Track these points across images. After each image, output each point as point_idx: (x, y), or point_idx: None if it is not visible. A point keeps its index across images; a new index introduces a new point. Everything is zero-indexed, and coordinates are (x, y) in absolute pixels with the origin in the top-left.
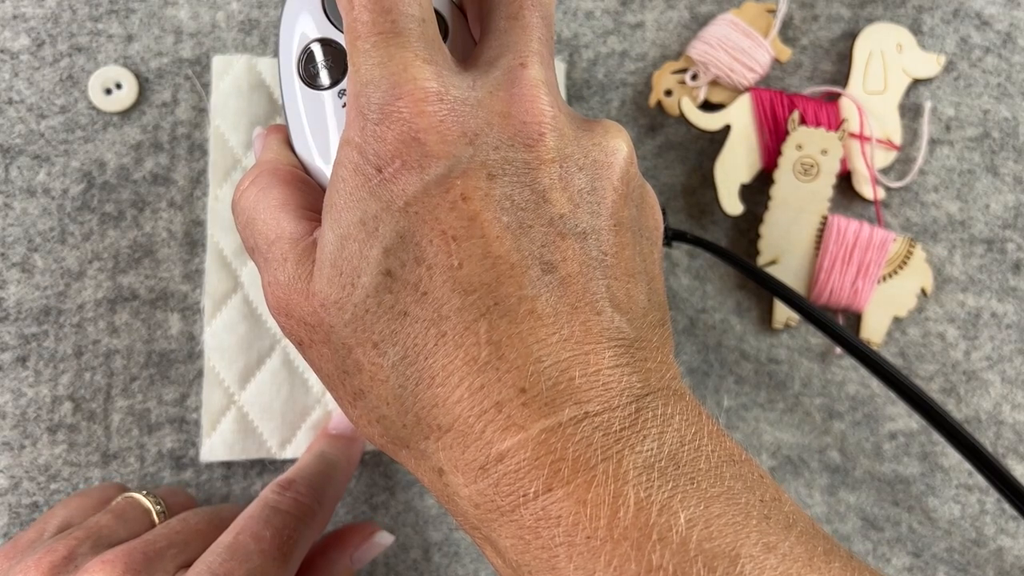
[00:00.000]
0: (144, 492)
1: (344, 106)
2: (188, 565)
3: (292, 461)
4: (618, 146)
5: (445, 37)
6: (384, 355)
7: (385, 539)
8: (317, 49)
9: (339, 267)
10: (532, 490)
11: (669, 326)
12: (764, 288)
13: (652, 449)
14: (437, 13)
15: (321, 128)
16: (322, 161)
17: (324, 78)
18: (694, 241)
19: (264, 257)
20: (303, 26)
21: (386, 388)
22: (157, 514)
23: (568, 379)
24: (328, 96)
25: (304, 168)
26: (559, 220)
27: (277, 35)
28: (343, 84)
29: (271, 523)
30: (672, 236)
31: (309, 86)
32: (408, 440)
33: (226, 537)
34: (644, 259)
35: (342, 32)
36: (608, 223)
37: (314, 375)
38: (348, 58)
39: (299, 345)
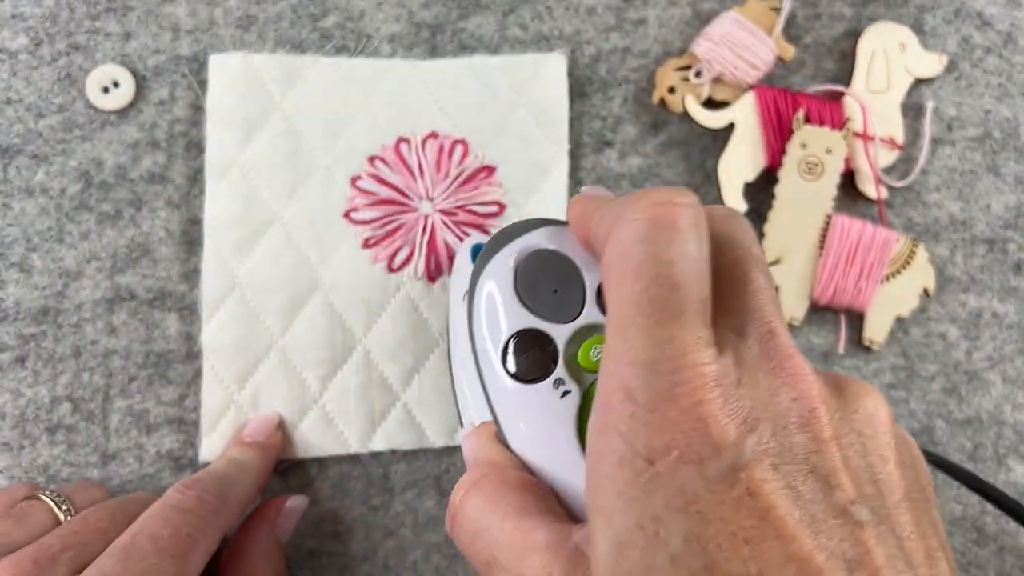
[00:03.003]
0: (49, 491)
1: (562, 396)
2: (85, 567)
3: (290, 460)
4: (876, 409)
5: None
6: None
7: (298, 502)
8: (522, 340)
9: None
10: None
11: None
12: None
13: None
14: None
15: (540, 423)
16: (545, 458)
17: (534, 370)
18: (938, 465)
19: (514, 574)
20: (501, 317)
21: None
22: (63, 513)
23: None
24: (542, 388)
25: (524, 467)
26: (851, 507)
27: (468, 324)
28: (556, 373)
29: (170, 522)
30: None
31: (519, 379)
32: None
33: (123, 538)
34: (935, 529)
35: (545, 320)
36: (894, 499)
37: (312, 375)
38: (614, 334)
39: None
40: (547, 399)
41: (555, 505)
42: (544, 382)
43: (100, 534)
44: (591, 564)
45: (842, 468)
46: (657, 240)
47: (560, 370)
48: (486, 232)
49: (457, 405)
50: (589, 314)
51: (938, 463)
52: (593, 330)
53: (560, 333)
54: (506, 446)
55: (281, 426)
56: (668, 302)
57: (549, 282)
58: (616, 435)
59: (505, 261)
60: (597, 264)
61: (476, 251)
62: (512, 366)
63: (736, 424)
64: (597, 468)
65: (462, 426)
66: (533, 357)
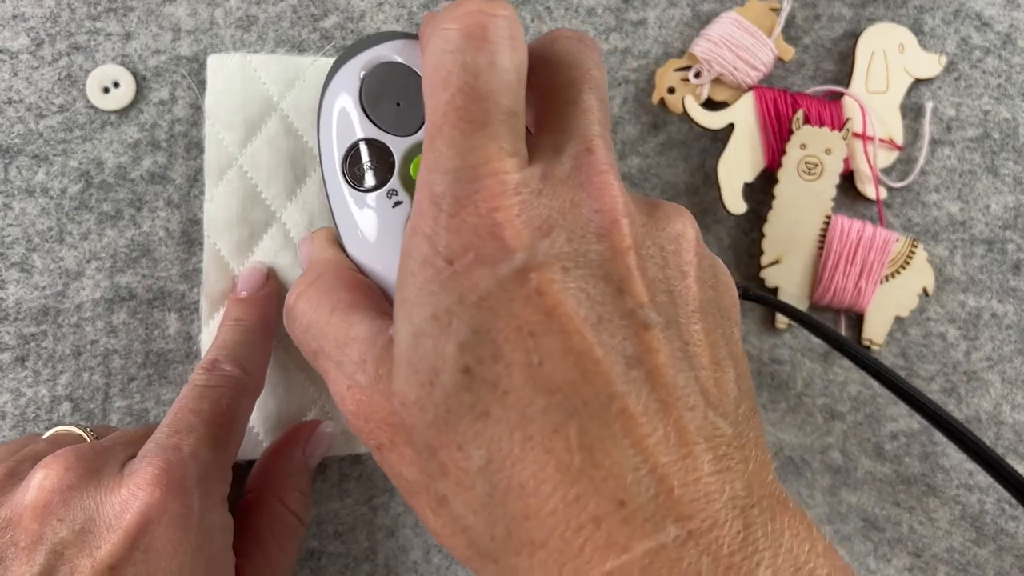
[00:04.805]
0: (71, 423)
1: (394, 206)
2: (135, 456)
3: None
4: (684, 229)
5: None
6: (469, 459)
7: (329, 428)
8: (362, 150)
9: (415, 365)
10: None
11: (759, 414)
12: (845, 355)
13: None
14: None
15: (373, 230)
16: (377, 262)
17: (371, 179)
18: (756, 299)
19: (335, 361)
20: (345, 127)
21: (472, 495)
22: (89, 437)
23: (667, 490)
24: (377, 197)
25: (358, 269)
26: (639, 311)
27: (316, 133)
28: (390, 184)
29: (206, 397)
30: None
31: (357, 188)
32: (497, 555)
33: (166, 419)
34: (728, 342)
35: (385, 132)
36: (687, 310)
37: (310, 376)
38: (426, 142)
39: (378, 449)
40: (380, 207)
41: (383, 304)
42: (379, 191)
43: (140, 438)
44: (394, 351)
45: (637, 276)
46: (465, 50)
47: (395, 181)
48: None
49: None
50: None
51: (790, 313)
52: None
53: (398, 145)
54: (343, 250)
55: (273, 274)
56: (473, 112)
57: (393, 95)
58: (422, 237)
59: (353, 72)
60: None
61: None
62: (350, 174)
63: (530, 229)
64: (405, 266)
65: None
66: (371, 167)
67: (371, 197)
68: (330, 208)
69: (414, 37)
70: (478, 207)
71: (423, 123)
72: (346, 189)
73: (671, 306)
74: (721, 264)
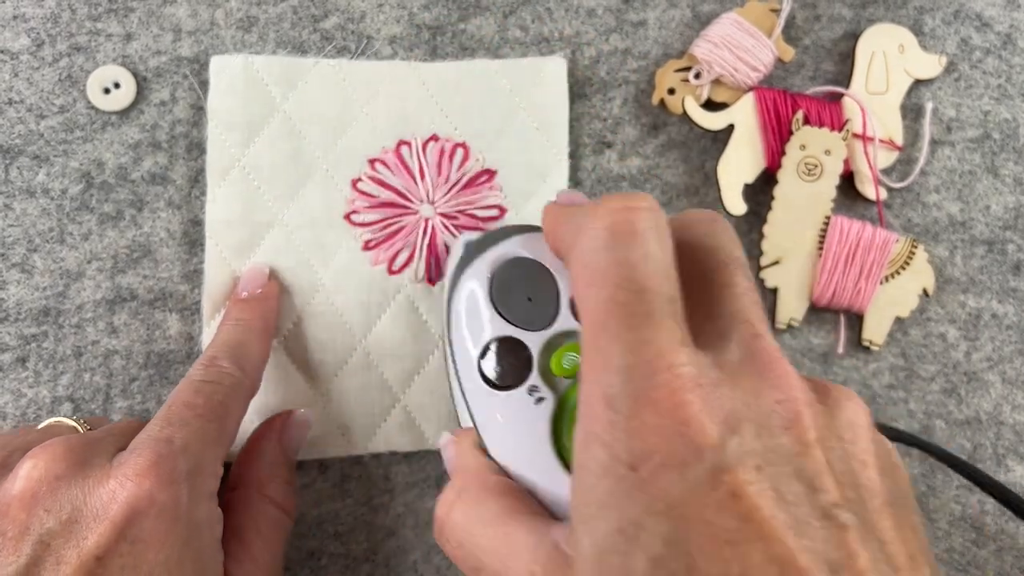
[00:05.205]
0: (67, 417)
1: (536, 402)
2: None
3: None
4: (855, 415)
5: None
6: None
7: (304, 416)
8: (498, 348)
9: None
10: None
11: None
12: (992, 496)
13: None
14: None
15: (517, 429)
16: (523, 463)
17: (510, 377)
18: (898, 438)
19: None
20: (478, 327)
21: None
22: (82, 429)
23: None
24: (518, 395)
25: (505, 473)
26: (833, 511)
27: (447, 334)
28: (530, 380)
29: (201, 392)
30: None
31: (496, 387)
32: None
33: (160, 412)
34: (915, 533)
35: (520, 328)
36: (875, 504)
37: (310, 375)
38: (588, 342)
39: None
40: (522, 406)
41: (535, 505)
42: (519, 389)
43: (133, 430)
44: (577, 566)
45: (826, 471)
46: (616, 246)
47: (535, 377)
48: (482, 229)
49: (454, 406)
50: (563, 321)
51: (914, 443)
52: (566, 337)
53: (534, 340)
54: (485, 451)
55: (274, 275)
56: (636, 305)
57: (524, 289)
58: (599, 444)
59: (481, 269)
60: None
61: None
62: (488, 373)
63: (717, 425)
64: (581, 478)
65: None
66: (508, 364)
67: (511, 395)
68: (468, 409)
69: (537, 230)
70: (659, 405)
71: (556, 316)
72: (485, 389)
73: (859, 502)
74: (890, 446)
